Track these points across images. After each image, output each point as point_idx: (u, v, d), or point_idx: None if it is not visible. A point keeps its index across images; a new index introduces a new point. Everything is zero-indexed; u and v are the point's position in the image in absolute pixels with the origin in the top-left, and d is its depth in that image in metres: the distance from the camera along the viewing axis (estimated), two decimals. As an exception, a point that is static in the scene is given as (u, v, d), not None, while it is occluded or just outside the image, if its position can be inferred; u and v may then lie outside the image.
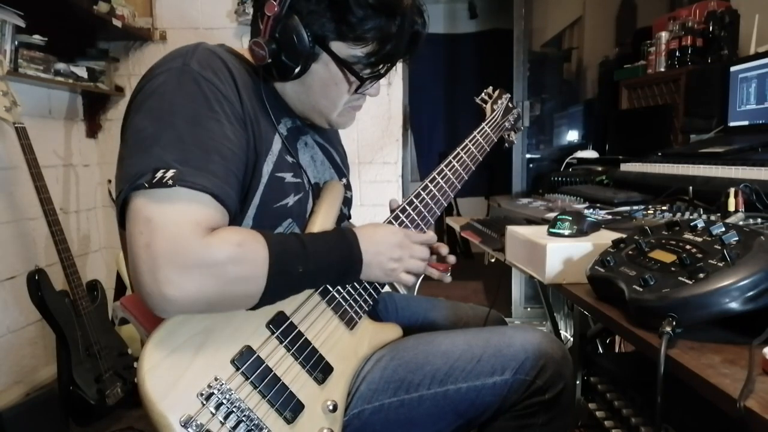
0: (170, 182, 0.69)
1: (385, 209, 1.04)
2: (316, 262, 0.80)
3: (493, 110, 1.30)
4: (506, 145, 1.41)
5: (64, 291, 1.89)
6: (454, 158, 1.10)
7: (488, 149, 1.19)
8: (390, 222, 0.98)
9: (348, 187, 1.08)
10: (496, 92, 1.36)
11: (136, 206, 0.70)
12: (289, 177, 0.88)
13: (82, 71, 2.37)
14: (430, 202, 1.02)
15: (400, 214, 0.99)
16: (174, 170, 0.70)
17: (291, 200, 0.88)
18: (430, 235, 0.99)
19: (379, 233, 0.90)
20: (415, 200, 1.01)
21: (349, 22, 0.83)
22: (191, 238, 0.69)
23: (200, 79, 0.78)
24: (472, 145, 1.14)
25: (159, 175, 0.70)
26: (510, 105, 1.35)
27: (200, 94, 0.77)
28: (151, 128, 0.74)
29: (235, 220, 0.83)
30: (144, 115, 0.76)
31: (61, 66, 2.24)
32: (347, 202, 1.07)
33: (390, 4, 0.84)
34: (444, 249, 1.06)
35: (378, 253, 0.88)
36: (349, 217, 1.15)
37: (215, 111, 0.77)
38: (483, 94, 1.36)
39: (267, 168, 0.85)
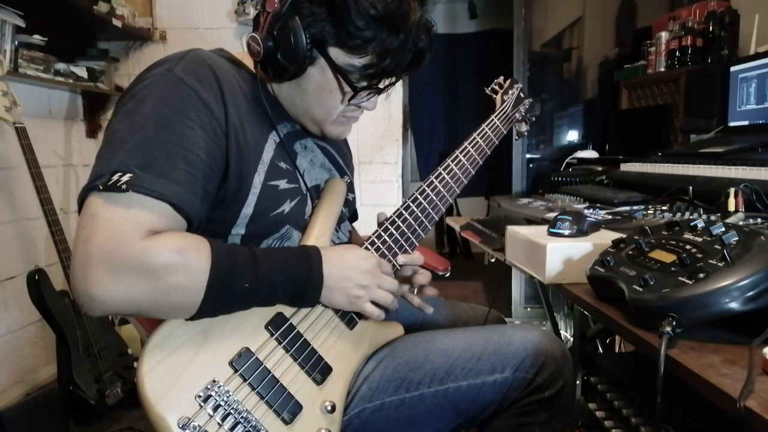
0: (124, 186, 0.68)
1: (384, 209, 1.02)
2: (266, 279, 0.76)
3: (503, 101, 1.26)
4: (516, 137, 1.37)
5: (64, 291, 1.89)
6: (461, 152, 1.06)
7: (497, 142, 1.15)
8: (372, 242, 0.92)
9: (350, 188, 1.07)
10: (507, 82, 1.32)
11: (88, 203, 0.70)
12: (283, 184, 0.87)
13: (82, 71, 2.37)
14: (427, 206, 0.98)
15: (384, 233, 0.93)
16: (131, 175, 0.69)
17: (287, 207, 0.87)
18: (413, 257, 0.93)
19: (348, 257, 0.85)
20: (412, 204, 0.97)
21: (348, 30, 0.81)
22: (129, 239, 0.67)
23: (181, 85, 0.77)
24: (480, 137, 1.11)
25: (115, 178, 0.69)
26: (521, 95, 1.31)
27: (177, 100, 0.76)
28: (123, 131, 0.74)
29: (227, 229, 0.83)
30: (120, 117, 0.76)
31: (61, 66, 2.24)
32: (348, 204, 1.05)
33: (394, 18, 0.81)
34: (423, 278, 0.99)
35: (343, 278, 0.83)
36: (351, 218, 1.14)
37: (189, 117, 0.76)
38: (494, 84, 1.32)
39: (258, 178, 0.84)
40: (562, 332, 2.46)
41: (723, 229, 0.74)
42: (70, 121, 2.52)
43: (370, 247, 0.92)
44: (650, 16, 2.62)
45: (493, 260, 1.40)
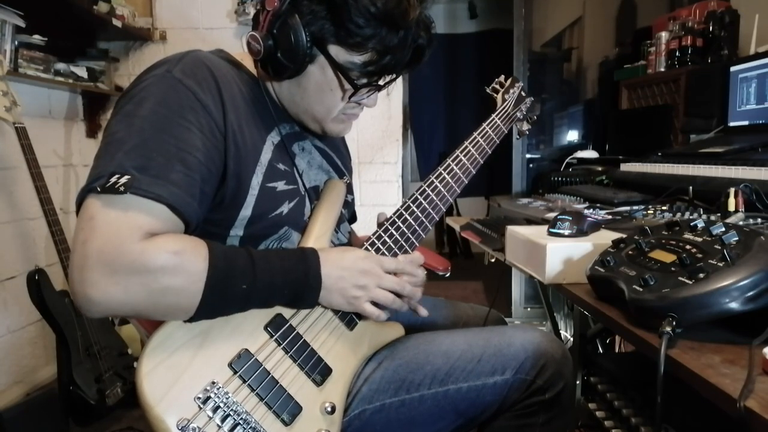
0: (122, 188, 0.68)
1: (384, 209, 1.01)
2: (264, 281, 0.76)
3: (504, 100, 1.26)
4: (517, 136, 1.38)
5: (64, 291, 1.89)
6: (461, 152, 1.05)
7: (498, 141, 1.14)
8: (372, 242, 0.92)
9: (349, 189, 1.06)
10: (509, 81, 1.31)
11: (86, 205, 0.70)
12: (281, 185, 0.87)
13: (82, 71, 2.37)
14: (427, 206, 0.97)
15: (384, 234, 0.93)
16: (129, 177, 0.69)
17: (285, 208, 0.87)
18: (414, 257, 0.92)
19: (346, 258, 0.85)
20: (412, 204, 0.96)
21: (348, 28, 0.80)
22: (127, 241, 0.67)
23: (179, 86, 0.77)
24: (481, 137, 1.10)
25: (113, 180, 0.69)
26: (522, 94, 1.31)
27: (175, 101, 0.76)
28: (121, 132, 0.74)
29: (225, 231, 0.83)
30: (119, 118, 0.76)
31: (61, 66, 2.24)
32: (347, 205, 1.05)
33: (393, 15, 0.81)
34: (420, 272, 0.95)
35: (341, 279, 0.83)
36: (350, 220, 1.14)
37: (187, 119, 0.76)
38: (494, 83, 1.31)
39: (256, 180, 0.83)
40: (562, 332, 2.45)
41: (723, 229, 0.74)
42: (70, 121, 2.52)
43: (370, 247, 0.91)
44: (650, 16, 2.62)
45: (493, 260, 1.40)
